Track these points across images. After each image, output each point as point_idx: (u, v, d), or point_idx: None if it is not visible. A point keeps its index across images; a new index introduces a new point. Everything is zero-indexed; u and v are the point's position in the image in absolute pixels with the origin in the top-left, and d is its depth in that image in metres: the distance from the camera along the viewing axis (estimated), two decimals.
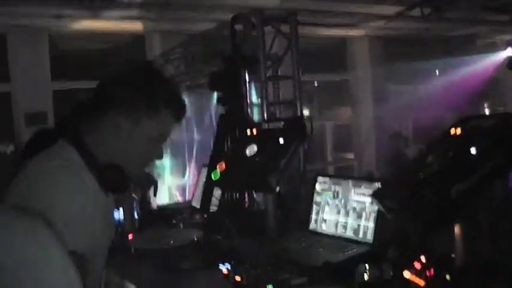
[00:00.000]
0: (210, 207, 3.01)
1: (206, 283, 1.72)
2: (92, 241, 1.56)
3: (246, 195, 3.21)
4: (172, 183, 6.56)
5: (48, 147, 1.67)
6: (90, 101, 1.73)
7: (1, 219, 1.05)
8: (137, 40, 7.46)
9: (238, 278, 1.96)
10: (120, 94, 1.70)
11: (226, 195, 3.03)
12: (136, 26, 7.04)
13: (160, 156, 1.84)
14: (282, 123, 2.51)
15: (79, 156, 1.65)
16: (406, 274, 1.82)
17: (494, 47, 10.63)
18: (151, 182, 3.13)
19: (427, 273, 1.78)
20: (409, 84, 10.41)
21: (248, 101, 3.45)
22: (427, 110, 9.06)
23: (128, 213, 2.93)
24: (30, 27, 6.59)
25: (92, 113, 1.71)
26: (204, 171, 3.58)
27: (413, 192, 1.66)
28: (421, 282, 1.76)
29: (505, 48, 10.29)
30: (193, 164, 6.33)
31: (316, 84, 9.52)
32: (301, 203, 2.76)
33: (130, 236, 2.79)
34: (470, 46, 10.34)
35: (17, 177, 1.60)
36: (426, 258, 1.84)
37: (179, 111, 1.77)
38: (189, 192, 6.29)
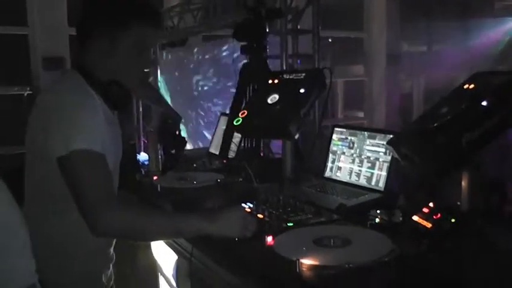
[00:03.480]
0: (229, 153, 3.18)
1: (231, 217, 1.88)
2: (103, 147, 1.77)
3: (262, 143, 3.39)
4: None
5: None
6: (76, 32, 1.95)
7: None
8: None
9: (260, 216, 2.15)
10: (92, 17, 1.91)
11: (244, 142, 3.20)
12: None
13: (149, 64, 2.09)
14: (303, 74, 2.63)
15: (83, 79, 1.89)
16: (415, 218, 2.00)
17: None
18: (182, 142, 3.29)
19: (434, 217, 1.95)
20: (424, 44, 10.44)
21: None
22: (441, 71, 9.12)
23: (153, 156, 3.13)
24: None
25: (81, 42, 1.94)
26: (222, 119, 3.75)
27: (427, 139, 1.83)
28: (428, 225, 1.91)
29: None
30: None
31: (330, 40, 9.57)
32: (316, 153, 2.92)
33: (155, 177, 2.99)
34: (487, 8, 10.32)
35: (37, 101, 1.90)
36: (434, 205, 2.02)
37: (148, 16, 1.96)
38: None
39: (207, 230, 1.81)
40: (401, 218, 2.07)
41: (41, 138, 1.78)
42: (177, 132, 3.16)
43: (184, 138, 3.27)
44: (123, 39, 1.90)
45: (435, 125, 1.85)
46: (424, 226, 1.93)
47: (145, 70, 2.10)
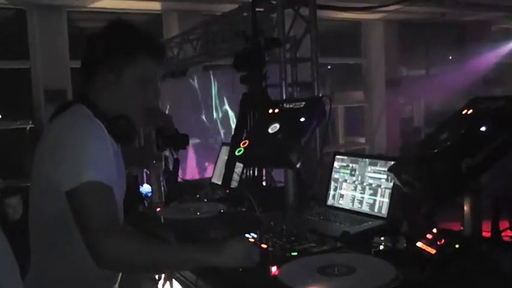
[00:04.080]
0: (232, 183, 3.18)
1: (235, 248, 1.88)
2: (111, 179, 1.79)
3: (264, 172, 3.40)
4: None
5: None
6: (82, 65, 1.98)
7: None
8: (155, 19, 7.65)
9: (264, 246, 2.15)
10: (98, 52, 1.93)
11: (246, 172, 3.21)
12: (154, 6, 7.21)
13: (155, 98, 2.07)
14: (303, 103, 2.66)
15: (89, 111, 1.90)
16: (419, 244, 2.00)
17: (508, 34, 10.71)
18: (184, 139, 3.27)
19: (438, 243, 1.95)
20: (422, 69, 10.51)
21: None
22: (440, 94, 9.17)
23: (155, 187, 3.14)
24: (49, 5, 6.77)
25: (87, 75, 1.96)
26: (223, 149, 3.77)
27: (428, 166, 1.84)
28: (432, 251, 1.91)
29: None
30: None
31: (329, 67, 9.64)
32: (318, 181, 2.93)
33: (158, 209, 3.00)
34: (484, 32, 10.42)
35: (45, 133, 1.91)
36: (437, 230, 2.03)
37: (155, 51, 2.00)
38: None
39: (211, 261, 1.81)
40: (405, 245, 2.07)
41: (50, 170, 1.79)
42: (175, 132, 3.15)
43: (185, 134, 3.27)
44: (129, 72, 1.93)
45: (435, 151, 1.87)
46: (428, 252, 1.93)
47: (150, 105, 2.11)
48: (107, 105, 1.94)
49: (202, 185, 3.73)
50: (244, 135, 3.03)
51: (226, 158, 3.37)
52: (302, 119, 2.54)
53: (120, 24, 1.99)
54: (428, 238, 2.00)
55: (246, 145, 2.68)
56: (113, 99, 1.94)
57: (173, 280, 2.43)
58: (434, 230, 2.02)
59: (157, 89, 2.07)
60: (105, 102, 1.94)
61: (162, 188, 3.17)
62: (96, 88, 1.94)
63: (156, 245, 1.85)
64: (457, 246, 1.89)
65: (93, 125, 1.86)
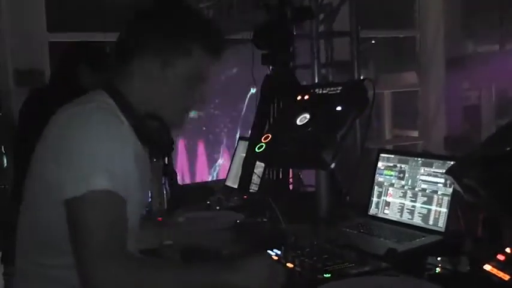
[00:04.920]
0: (250, 187, 3.20)
1: (255, 267, 1.90)
2: (126, 190, 1.80)
3: (291, 174, 3.41)
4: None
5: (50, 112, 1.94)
6: (116, 47, 1.99)
7: None
8: None
9: (290, 265, 2.18)
10: (142, 35, 1.94)
11: (269, 173, 3.23)
12: None
13: (203, 100, 2.08)
14: (340, 88, 2.67)
15: (112, 101, 1.92)
16: (487, 267, 2.00)
17: None
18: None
19: None
20: (494, 44, 10.41)
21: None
22: None
23: (156, 192, 3.17)
24: None
25: (120, 61, 1.98)
26: (241, 144, 3.79)
27: (497, 168, 1.86)
28: (506, 277, 1.91)
29: None
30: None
31: (373, 42, 9.56)
32: (358, 185, 2.95)
33: (159, 218, 3.03)
34: None
35: (47, 127, 1.90)
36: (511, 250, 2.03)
37: (214, 45, 2.00)
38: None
39: (229, 282, 1.83)
40: (468, 267, 2.09)
41: (51, 172, 1.80)
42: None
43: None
44: (179, 65, 1.95)
45: (507, 149, 1.87)
46: (500, 278, 1.94)
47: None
48: (140, 100, 1.96)
49: (214, 188, 3.75)
50: (267, 127, 3.04)
51: (244, 155, 3.39)
52: (338, 108, 2.55)
53: (173, 4, 2.00)
54: (499, 260, 2.00)
55: (268, 140, 2.69)
56: (150, 94, 1.96)
57: None
58: (508, 250, 2.02)
59: (205, 92, 2.07)
60: (138, 95, 1.96)
61: (164, 192, 3.19)
62: (130, 77, 1.96)
63: (162, 268, 1.84)
64: None
65: (112, 119, 1.86)
